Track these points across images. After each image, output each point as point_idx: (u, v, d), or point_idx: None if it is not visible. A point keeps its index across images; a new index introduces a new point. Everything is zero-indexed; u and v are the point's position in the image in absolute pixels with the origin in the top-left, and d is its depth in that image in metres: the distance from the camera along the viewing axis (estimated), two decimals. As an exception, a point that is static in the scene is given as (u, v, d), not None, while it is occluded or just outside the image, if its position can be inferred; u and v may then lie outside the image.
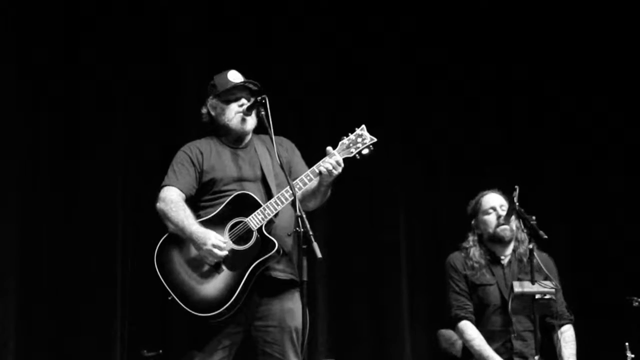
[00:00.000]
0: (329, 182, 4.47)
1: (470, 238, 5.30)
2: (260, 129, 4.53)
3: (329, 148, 4.44)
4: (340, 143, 4.48)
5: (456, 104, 6.98)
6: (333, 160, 4.39)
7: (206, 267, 4.37)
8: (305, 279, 4.04)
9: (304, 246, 4.05)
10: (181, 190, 4.47)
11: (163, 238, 4.44)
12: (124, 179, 6.14)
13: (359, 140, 4.48)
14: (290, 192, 4.32)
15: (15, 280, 5.80)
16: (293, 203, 4.29)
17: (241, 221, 4.38)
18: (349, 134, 4.49)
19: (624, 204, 6.84)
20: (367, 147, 4.49)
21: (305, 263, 4.05)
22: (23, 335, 5.80)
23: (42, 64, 5.99)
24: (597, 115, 6.96)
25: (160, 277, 4.38)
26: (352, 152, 4.47)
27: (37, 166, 5.97)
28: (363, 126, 4.51)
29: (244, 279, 4.33)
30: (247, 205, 4.41)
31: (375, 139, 4.49)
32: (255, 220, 4.37)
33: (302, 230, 4.07)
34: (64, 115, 6.05)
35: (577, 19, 7.02)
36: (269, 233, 4.38)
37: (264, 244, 4.37)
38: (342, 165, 4.43)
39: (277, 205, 4.38)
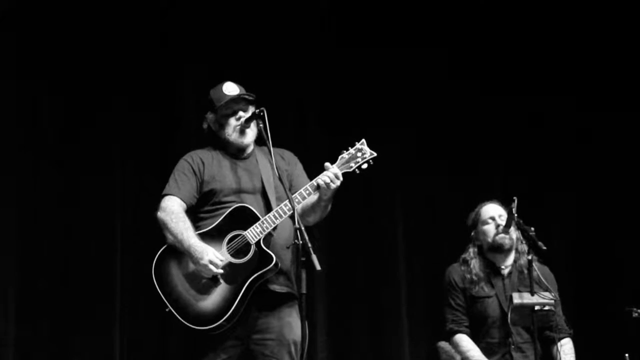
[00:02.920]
0: (329, 197, 4.44)
1: (470, 250, 5.32)
2: (262, 140, 4.50)
3: (327, 164, 4.42)
4: (339, 157, 4.47)
5: (456, 108, 6.96)
6: (331, 173, 4.37)
7: (204, 280, 4.35)
8: (304, 291, 4.00)
9: (303, 258, 4.02)
10: (182, 200, 4.47)
11: (161, 250, 4.43)
12: (122, 186, 6.10)
13: (359, 154, 4.47)
14: (289, 205, 4.30)
15: (14, 291, 5.80)
16: (292, 216, 4.26)
17: (239, 234, 4.36)
18: (349, 147, 4.48)
19: (623, 216, 6.83)
20: (367, 161, 4.48)
21: (304, 275, 4.02)
22: (22, 350, 5.79)
23: (41, 73, 6.00)
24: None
25: (158, 289, 4.37)
26: (351, 167, 4.46)
27: (36, 175, 5.95)
28: (363, 140, 4.50)
29: (241, 292, 4.32)
30: (245, 218, 4.39)
31: (375, 154, 4.48)
32: (253, 234, 4.35)
33: (301, 242, 4.04)
34: (63, 121, 6.05)
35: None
36: (268, 246, 4.37)
37: (261, 257, 4.35)
38: (341, 178, 4.40)
39: (276, 219, 4.36)
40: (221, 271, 4.30)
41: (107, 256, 5.98)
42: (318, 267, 3.98)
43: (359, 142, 4.50)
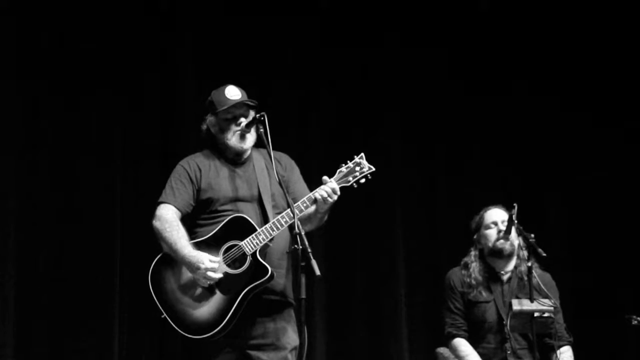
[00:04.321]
0: (325, 209, 4.43)
1: (472, 253, 5.36)
2: (260, 143, 4.50)
3: (325, 177, 4.41)
4: (338, 171, 4.46)
5: (456, 114, 6.99)
6: (329, 188, 4.36)
7: (199, 289, 4.31)
8: (303, 296, 3.98)
9: (303, 264, 4.00)
10: (177, 208, 4.43)
11: (157, 258, 4.40)
12: (121, 194, 6.07)
13: (357, 169, 4.46)
14: (286, 218, 4.32)
15: (14, 293, 5.77)
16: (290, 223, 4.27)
17: (236, 244, 4.33)
18: (348, 161, 4.47)
19: (624, 220, 6.86)
20: (365, 176, 4.46)
21: (303, 281, 4.00)
22: (22, 353, 5.76)
23: (41, 77, 6.00)
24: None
25: (154, 296, 4.34)
26: (349, 181, 4.45)
27: (34, 175, 5.92)
28: (362, 154, 4.49)
29: (236, 302, 4.28)
30: (242, 228, 4.36)
31: (373, 168, 4.47)
32: (249, 245, 4.32)
33: (300, 247, 4.02)
34: (63, 122, 6.02)
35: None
36: (264, 257, 4.33)
37: (257, 269, 4.32)
38: (338, 193, 4.39)
39: (273, 230, 4.34)
40: (220, 276, 4.25)
41: (106, 260, 5.95)
42: (318, 273, 3.96)
43: (357, 156, 4.48)
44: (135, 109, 6.17)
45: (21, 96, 5.92)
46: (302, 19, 6.71)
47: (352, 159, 4.48)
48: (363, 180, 4.46)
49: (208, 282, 4.27)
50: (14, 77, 5.92)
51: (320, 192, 4.37)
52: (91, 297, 5.85)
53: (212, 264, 4.23)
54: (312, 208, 4.42)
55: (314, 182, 4.48)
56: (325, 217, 4.50)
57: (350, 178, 4.44)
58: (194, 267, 4.25)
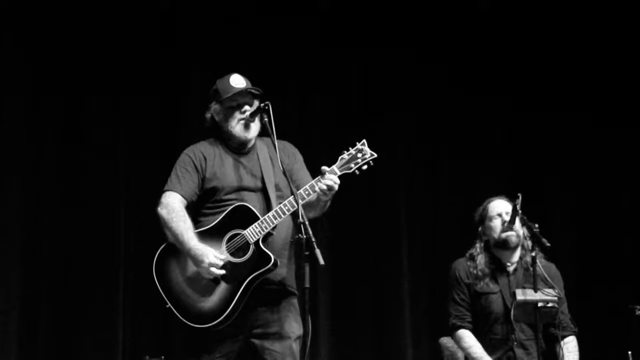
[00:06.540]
0: (328, 198, 4.41)
1: (477, 245, 5.32)
2: (264, 132, 4.49)
3: (324, 167, 4.37)
4: (339, 158, 4.43)
5: (457, 108, 7.00)
6: (329, 181, 4.32)
7: (203, 279, 4.32)
8: (307, 285, 4.00)
9: (307, 253, 4.00)
10: (183, 197, 4.43)
11: (162, 247, 4.41)
12: (125, 182, 6.11)
13: (359, 155, 4.43)
14: (288, 206, 4.31)
15: (18, 289, 5.84)
16: (293, 213, 4.27)
17: (239, 233, 4.33)
18: (349, 148, 4.44)
19: (629, 211, 6.88)
20: (367, 162, 4.44)
21: (307, 270, 4.01)
22: (25, 342, 5.84)
23: (44, 69, 6.06)
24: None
25: (158, 286, 4.35)
26: (351, 168, 4.43)
27: (37, 174, 5.97)
28: (364, 141, 4.46)
29: (239, 291, 4.29)
30: (245, 217, 4.36)
31: (375, 155, 4.44)
32: (252, 233, 4.32)
33: (304, 237, 4.01)
34: (65, 120, 6.08)
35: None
36: (267, 245, 4.34)
37: (260, 257, 4.32)
38: (338, 182, 4.35)
39: (275, 218, 4.34)
40: (222, 272, 4.26)
41: (109, 253, 5.99)
42: (322, 262, 3.96)
43: (359, 142, 4.46)
44: (139, 108, 6.22)
45: (22, 94, 5.96)
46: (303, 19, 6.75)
47: (353, 145, 4.46)
48: (365, 167, 4.43)
49: (212, 276, 4.27)
50: (15, 76, 5.96)
51: (320, 185, 4.33)
52: (95, 292, 5.92)
53: (215, 260, 4.24)
54: (314, 195, 4.40)
55: (316, 173, 4.44)
56: (328, 204, 4.48)
57: (352, 165, 4.41)
58: (198, 262, 4.26)
